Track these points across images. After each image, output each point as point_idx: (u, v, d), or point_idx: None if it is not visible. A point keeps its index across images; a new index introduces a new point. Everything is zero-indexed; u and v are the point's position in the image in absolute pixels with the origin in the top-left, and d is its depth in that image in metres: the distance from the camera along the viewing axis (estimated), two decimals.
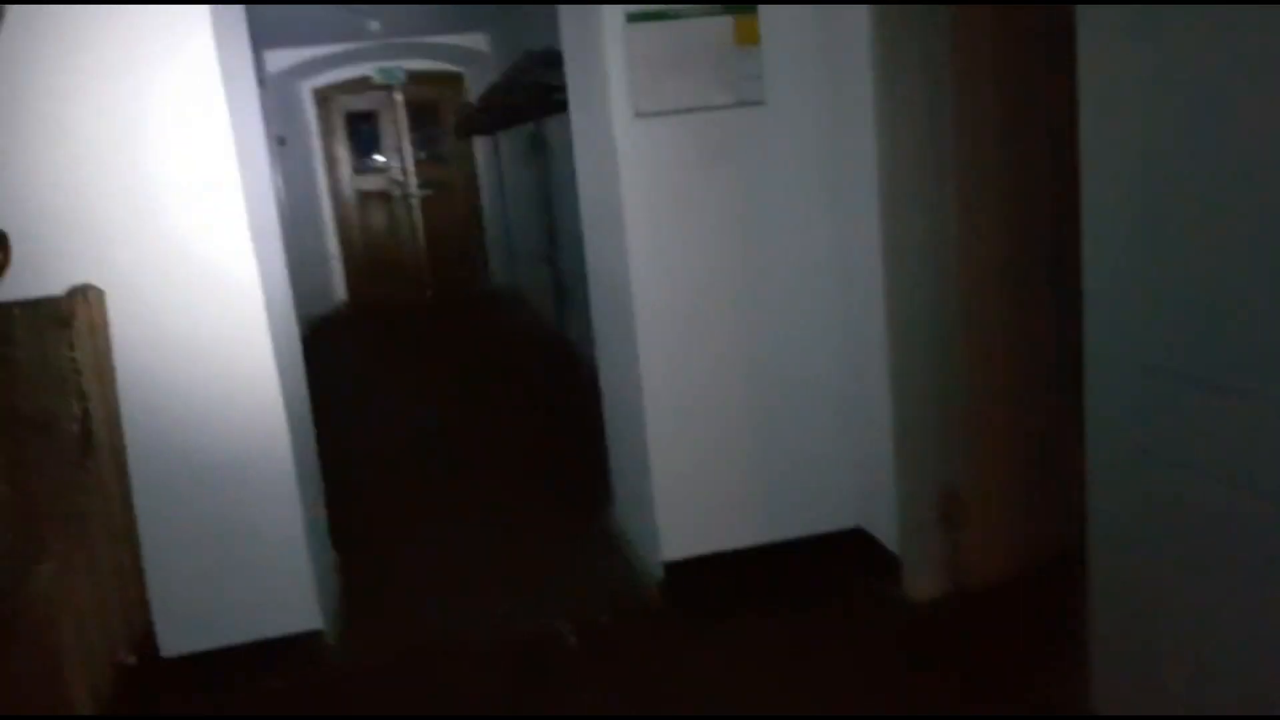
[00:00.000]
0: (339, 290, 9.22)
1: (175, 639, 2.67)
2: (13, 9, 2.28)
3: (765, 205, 2.85)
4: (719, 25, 2.68)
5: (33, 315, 2.32)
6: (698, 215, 2.81)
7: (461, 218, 9.51)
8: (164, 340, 2.55)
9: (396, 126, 9.17)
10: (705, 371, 2.92)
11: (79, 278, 2.41)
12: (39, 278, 2.40)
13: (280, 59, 7.88)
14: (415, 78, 8.90)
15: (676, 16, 2.66)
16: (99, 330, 2.39)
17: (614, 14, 2.64)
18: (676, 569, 3.01)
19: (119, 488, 2.43)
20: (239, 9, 2.82)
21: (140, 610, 2.50)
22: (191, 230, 2.51)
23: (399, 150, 9.23)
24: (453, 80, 9.16)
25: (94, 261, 2.45)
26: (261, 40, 7.38)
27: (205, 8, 2.42)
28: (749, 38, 2.71)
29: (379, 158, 9.27)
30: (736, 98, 2.73)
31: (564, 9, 3.02)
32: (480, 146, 9.33)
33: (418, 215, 9.28)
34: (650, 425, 2.91)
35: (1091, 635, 1.81)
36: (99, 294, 2.40)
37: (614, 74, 2.67)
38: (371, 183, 9.26)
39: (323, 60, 8.16)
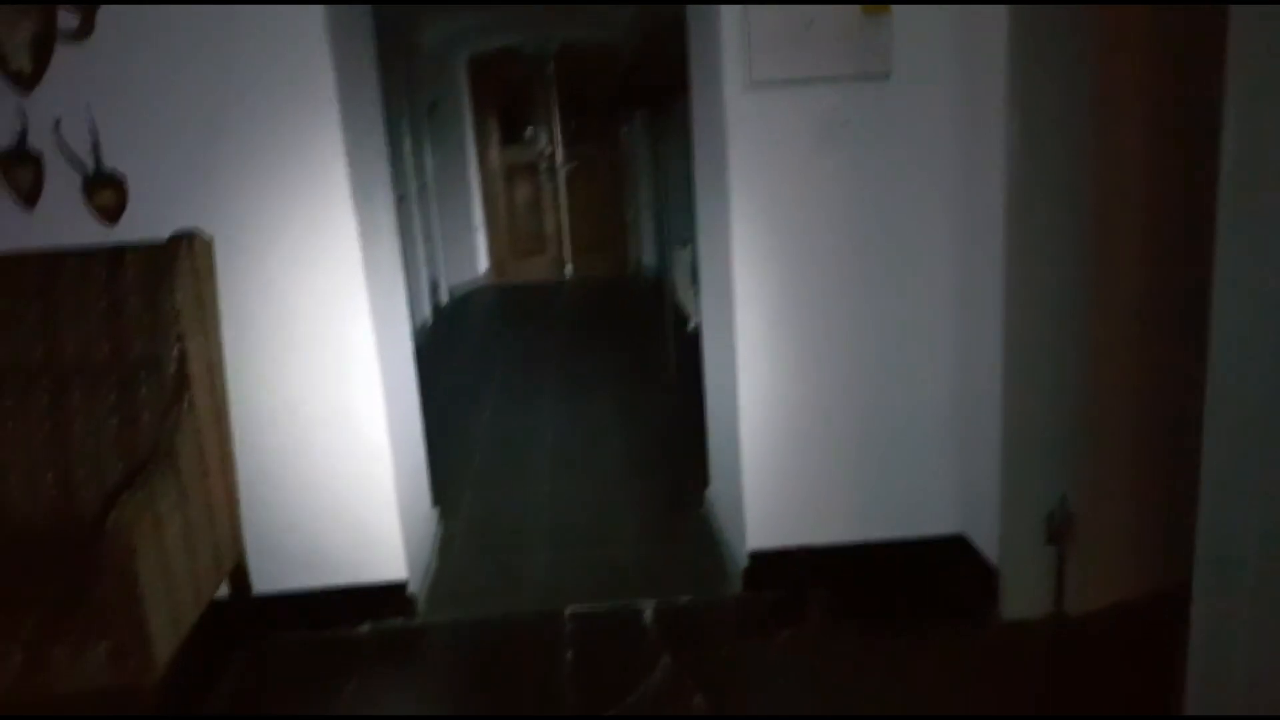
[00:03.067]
0: (482, 261, 9.37)
1: (268, 577, 2.75)
2: None
3: (883, 188, 2.67)
4: None
5: (143, 259, 2.41)
6: (809, 196, 2.66)
7: (608, 195, 9.49)
8: (269, 289, 2.61)
9: (547, 99, 9.23)
10: (803, 360, 2.78)
11: (191, 223, 2.48)
12: (154, 223, 2.49)
13: (436, 29, 8.01)
14: (568, 51, 8.90)
15: None
16: (203, 275, 2.45)
17: None
18: (763, 559, 2.91)
19: (216, 428, 2.49)
20: None
21: (232, 547, 2.56)
22: (296, 187, 2.56)
23: (548, 124, 9.29)
24: (608, 53, 9.11)
25: (205, 209, 2.53)
26: (416, 9, 7.54)
27: None
28: (879, 6, 2.55)
29: (528, 129, 9.35)
30: (860, 69, 2.57)
31: None
32: (634, 122, 9.25)
33: (562, 190, 9.32)
34: (744, 410, 2.80)
35: (1189, 680, 1.61)
36: (205, 241, 2.47)
37: (727, 40, 2.55)
38: (519, 155, 9.36)
39: (477, 29, 8.25)
